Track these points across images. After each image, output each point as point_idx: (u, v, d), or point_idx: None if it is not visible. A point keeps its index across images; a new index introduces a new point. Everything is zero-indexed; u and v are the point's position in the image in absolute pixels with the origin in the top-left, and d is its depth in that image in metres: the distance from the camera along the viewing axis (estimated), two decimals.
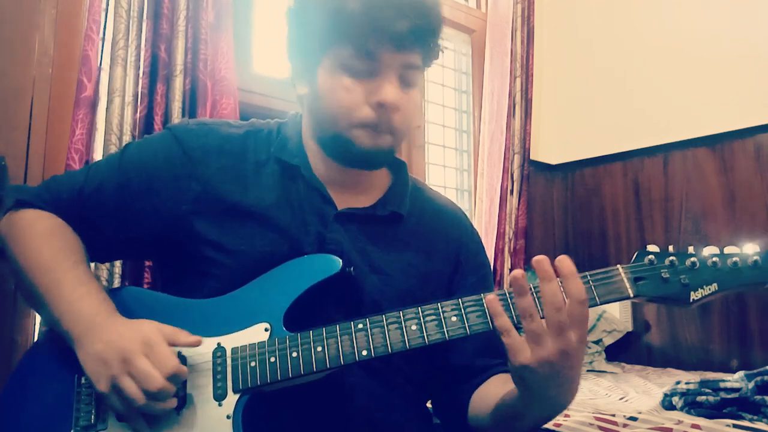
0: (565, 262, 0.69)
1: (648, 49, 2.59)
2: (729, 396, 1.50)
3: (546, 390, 0.71)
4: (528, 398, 0.74)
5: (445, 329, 0.74)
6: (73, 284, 0.81)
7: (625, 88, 2.66)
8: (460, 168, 2.67)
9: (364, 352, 0.75)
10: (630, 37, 2.67)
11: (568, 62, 2.89)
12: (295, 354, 0.76)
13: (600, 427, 1.46)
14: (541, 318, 0.69)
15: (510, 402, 0.78)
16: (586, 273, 0.75)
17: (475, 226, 2.47)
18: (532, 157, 2.66)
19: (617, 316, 2.51)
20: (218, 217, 0.88)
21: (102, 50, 1.48)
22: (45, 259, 0.83)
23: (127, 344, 0.74)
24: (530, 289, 0.70)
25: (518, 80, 2.59)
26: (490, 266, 1.05)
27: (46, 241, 0.85)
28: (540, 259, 0.69)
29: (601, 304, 0.75)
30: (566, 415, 1.54)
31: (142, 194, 0.89)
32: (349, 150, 0.87)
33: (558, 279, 0.69)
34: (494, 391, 0.86)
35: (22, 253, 0.85)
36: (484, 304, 0.74)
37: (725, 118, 2.33)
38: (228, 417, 0.76)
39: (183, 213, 0.88)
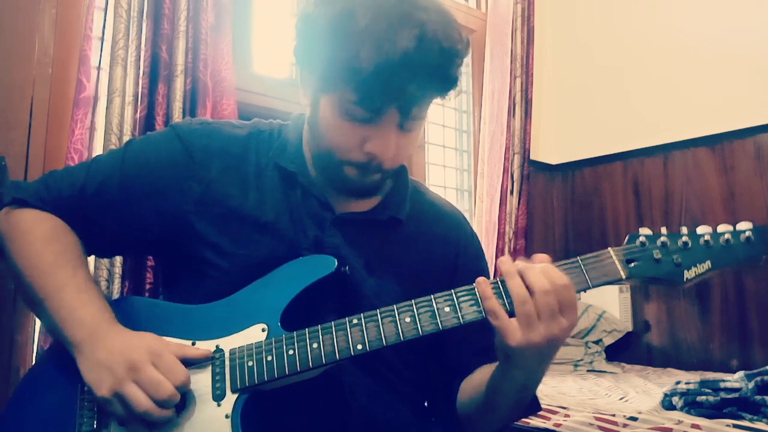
0: (538, 256, 0.74)
1: (648, 49, 2.59)
2: (729, 396, 1.50)
3: (527, 363, 0.73)
4: (508, 369, 0.76)
5: (438, 320, 0.75)
6: (74, 291, 0.81)
7: (625, 88, 2.66)
8: (460, 168, 2.67)
9: (359, 346, 0.75)
10: (630, 37, 2.67)
11: (568, 62, 2.89)
12: (291, 351, 0.77)
13: (600, 427, 1.46)
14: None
15: (491, 376, 0.80)
16: (577, 257, 0.76)
17: (475, 226, 2.49)
18: (532, 157, 2.66)
19: (617, 316, 2.51)
20: (218, 219, 0.88)
21: (102, 50, 1.48)
22: (46, 264, 0.83)
23: (134, 353, 0.75)
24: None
25: (518, 80, 2.59)
26: (488, 272, 1.06)
27: (46, 245, 0.85)
28: (509, 259, 0.74)
29: (593, 287, 0.75)
30: (566, 415, 1.54)
31: (145, 193, 0.89)
32: (338, 180, 0.88)
33: (538, 267, 0.72)
34: (477, 375, 0.88)
35: (23, 256, 0.85)
36: (477, 293, 0.75)
37: (725, 118, 2.33)
38: (227, 416, 0.76)
39: (184, 213, 0.88)
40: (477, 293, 0.75)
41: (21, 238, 0.86)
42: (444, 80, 0.81)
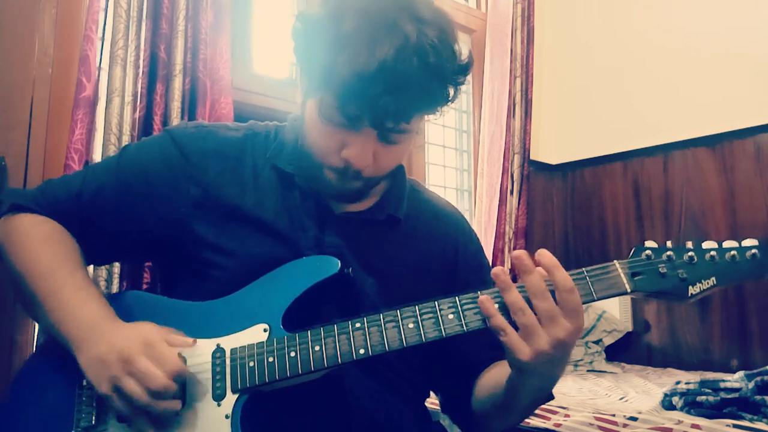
0: (545, 255, 0.71)
1: (648, 49, 2.59)
2: (729, 396, 1.50)
3: (540, 369, 0.73)
4: (523, 379, 0.76)
5: (442, 327, 0.74)
6: (73, 289, 0.81)
7: (625, 88, 2.66)
8: (460, 168, 2.67)
9: (362, 351, 0.75)
10: (630, 37, 2.67)
11: (568, 62, 2.89)
12: (293, 354, 0.76)
13: (600, 427, 1.46)
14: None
15: (508, 379, 0.80)
16: (583, 269, 0.75)
17: (475, 226, 2.49)
18: (532, 157, 2.66)
19: (617, 316, 2.51)
20: (217, 221, 0.88)
21: (101, 50, 1.48)
22: (44, 265, 0.83)
23: (127, 345, 0.74)
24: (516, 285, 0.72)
25: (518, 80, 2.59)
26: (489, 267, 1.05)
27: (44, 246, 0.84)
28: (518, 254, 0.71)
29: (598, 299, 0.74)
30: (566, 415, 1.54)
31: (141, 197, 0.89)
32: (318, 182, 0.88)
33: (538, 270, 0.71)
34: (493, 374, 0.88)
35: (21, 258, 0.84)
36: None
37: (725, 118, 2.33)
38: (227, 417, 0.76)
39: (182, 216, 0.88)
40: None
41: (19, 240, 0.86)
42: (427, 97, 0.79)
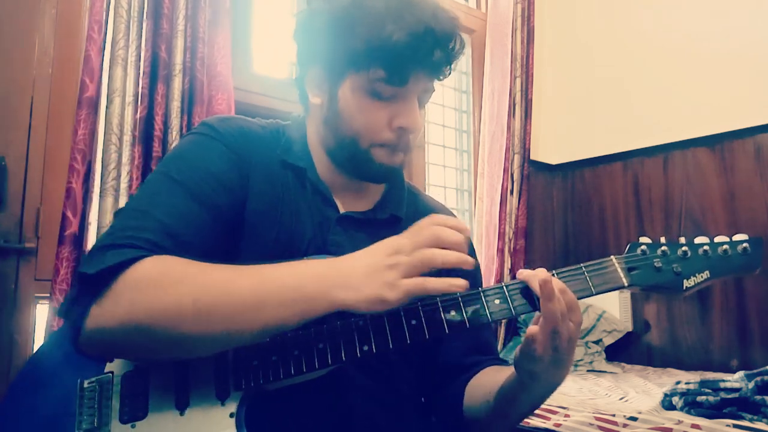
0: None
1: (648, 50, 2.59)
2: (729, 396, 1.50)
3: (548, 372, 0.74)
4: (528, 381, 0.76)
5: (444, 322, 0.75)
6: (273, 267, 0.73)
7: (625, 88, 2.66)
8: (460, 168, 2.67)
9: (365, 347, 0.75)
10: (630, 37, 2.67)
11: (568, 62, 2.89)
12: (296, 352, 0.77)
13: (600, 427, 1.46)
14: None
15: (507, 386, 0.80)
16: (581, 264, 0.77)
17: (475, 226, 2.49)
18: (532, 157, 2.66)
19: (617, 316, 2.51)
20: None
21: (103, 50, 1.48)
22: (223, 274, 0.72)
23: (378, 248, 0.72)
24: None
25: (518, 80, 2.59)
26: (479, 266, 1.07)
27: (201, 267, 0.72)
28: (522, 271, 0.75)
29: (596, 294, 0.76)
30: (566, 415, 1.54)
31: (227, 201, 0.84)
32: (367, 166, 0.88)
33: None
34: (488, 379, 0.88)
35: (190, 291, 0.70)
36: (481, 297, 0.76)
37: (725, 118, 2.33)
38: (231, 416, 0.76)
39: (238, 213, 0.86)
40: (482, 299, 0.76)
41: (169, 283, 0.71)
42: (458, 48, 0.87)
